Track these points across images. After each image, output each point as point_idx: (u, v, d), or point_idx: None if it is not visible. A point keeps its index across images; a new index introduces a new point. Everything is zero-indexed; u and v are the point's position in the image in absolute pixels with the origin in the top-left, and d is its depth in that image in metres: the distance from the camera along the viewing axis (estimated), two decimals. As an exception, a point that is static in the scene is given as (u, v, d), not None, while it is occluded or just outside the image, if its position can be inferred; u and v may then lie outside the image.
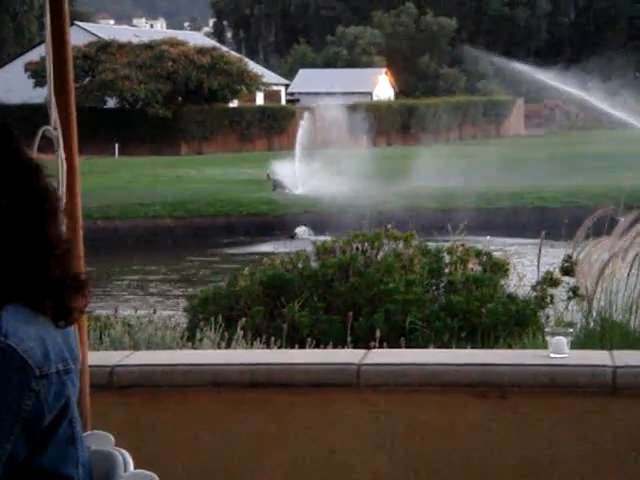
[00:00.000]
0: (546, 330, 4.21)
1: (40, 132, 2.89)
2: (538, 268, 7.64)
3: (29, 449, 1.92)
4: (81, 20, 59.48)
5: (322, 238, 10.41)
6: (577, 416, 3.86)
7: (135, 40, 50.65)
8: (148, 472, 2.01)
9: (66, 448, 1.97)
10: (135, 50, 49.44)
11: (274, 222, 29.05)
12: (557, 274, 7.45)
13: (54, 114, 2.91)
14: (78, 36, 49.08)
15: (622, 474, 3.83)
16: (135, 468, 2.11)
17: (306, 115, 39.89)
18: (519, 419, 3.87)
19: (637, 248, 6.73)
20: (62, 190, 2.90)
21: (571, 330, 4.17)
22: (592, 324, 6.71)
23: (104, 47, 49.71)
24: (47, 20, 2.95)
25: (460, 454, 3.90)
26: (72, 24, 47.85)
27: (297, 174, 33.65)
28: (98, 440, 2.18)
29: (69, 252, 2.02)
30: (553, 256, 8.13)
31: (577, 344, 6.19)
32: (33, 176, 2.02)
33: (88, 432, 2.27)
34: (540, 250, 7.61)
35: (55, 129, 2.91)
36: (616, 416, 3.83)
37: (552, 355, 3.94)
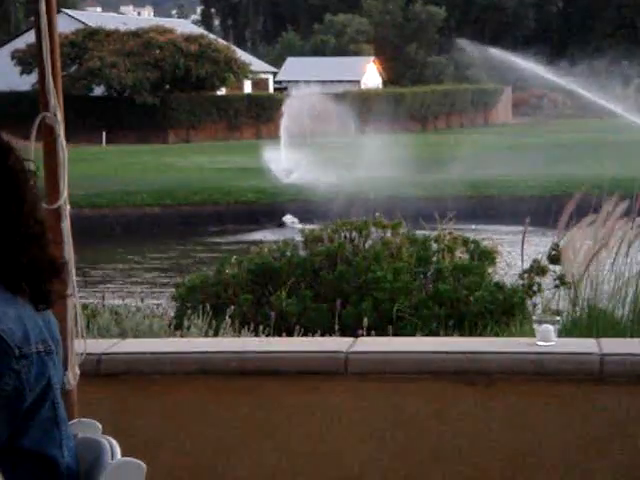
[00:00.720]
0: (533, 318, 4.22)
1: (39, 118, 2.87)
2: (522, 256, 7.65)
3: (11, 429, 1.92)
4: (68, 7, 59.27)
5: (310, 226, 10.41)
6: (564, 403, 3.87)
7: (122, 28, 50.50)
8: (135, 460, 2.01)
9: (49, 430, 1.98)
10: (122, 38, 49.30)
11: (262, 210, 29.04)
12: (544, 262, 7.46)
13: (53, 100, 2.90)
14: (65, 23, 48.96)
15: (608, 461, 3.85)
16: (122, 456, 2.11)
17: (287, 103, 39.79)
18: (506, 406, 3.88)
19: (620, 235, 6.75)
20: (64, 177, 2.89)
21: (558, 318, 4.19)
22: (579, 312, 6.73)
23: (91, 35, 49.55)
24: (42, 7, 2.94)
25: (448, 441, 3.91)
26: (59, 11, 47.74)
27: (284, 162, 33.63)
28: (85, 428, 2.18)
29: (44, 236, 2.02)
30: (540, 244, 8.15)
31: (564, 332, 6.21)
32: (7, 158, 2.01)
33: (75, 420, 2.27)
34: (524, 238, 7.62)
35: (55, 115, 2.90)
36: (603, 403, 3.85)
37: (539, 343, 3.95)
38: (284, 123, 36.96)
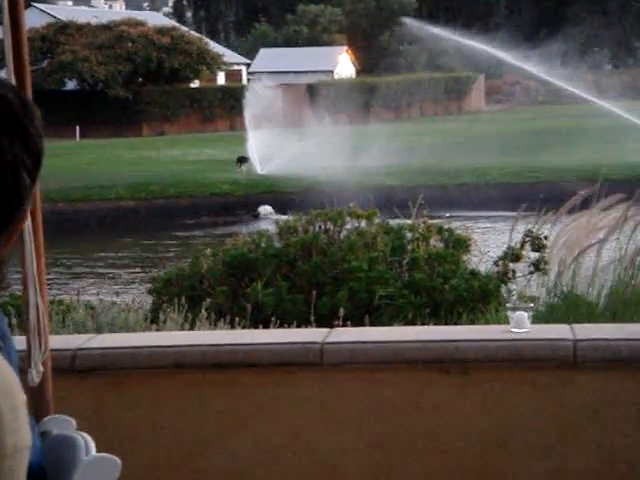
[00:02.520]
0: (507, 305, 4.24)
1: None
2: (510, 243, 7.67)
3: None
4: (39, 1, 58.92)
5: (285, 217, 10.41)
6: (539, 389, 3.89)
7: (94, 21, 50.28)
8: (110, 455, 2.00)
9: None
10: (94, 31, 49.08)
11: (237, 202, 29.01)
12: (517, 249, 7.50)
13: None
14: (36, 17, 48.70)
15: (583, 444, 3.87)
16: (98, 451, 2.10)
17: (249, 94, 39.72)
18: (482, 394, 3.90)
19: (611, 225, 6.79)
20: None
21: (532, 305, 4.20)
22: (555, 299, 6.77)
23: (62, 28, 49.31)
24: (5, 3, 2.92)
25: (424, 430, 3.92)
26: (29, 5, 47.38)
27: (255, 154, 33.57)
28: (59, 424, 2.17)
29: None
30: (518, 231, 8.16)
31: (541, 319, 6.25)
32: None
33: (49, 416, 2.26)
34: (513, 227, 7.66)
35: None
36: (577, 388, 3.87)
37: (513, 330, 3.96)
38: (249, 115, 36.93)
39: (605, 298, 6.58)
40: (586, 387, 3.86)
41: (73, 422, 2.27)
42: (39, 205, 3.12)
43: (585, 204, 7.37)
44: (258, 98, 37.91)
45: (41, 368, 2.97)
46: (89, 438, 2.10)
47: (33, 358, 2.95)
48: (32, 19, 48.19)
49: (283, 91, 48.32)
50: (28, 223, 2.96)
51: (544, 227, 7.76)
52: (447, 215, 12.02)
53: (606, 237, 6.76)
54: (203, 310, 6.57)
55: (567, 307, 6.51)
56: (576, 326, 4.15)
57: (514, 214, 8.37)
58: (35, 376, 2.96)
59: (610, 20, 66.41)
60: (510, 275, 7.63)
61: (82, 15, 53.46)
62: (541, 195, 8.22)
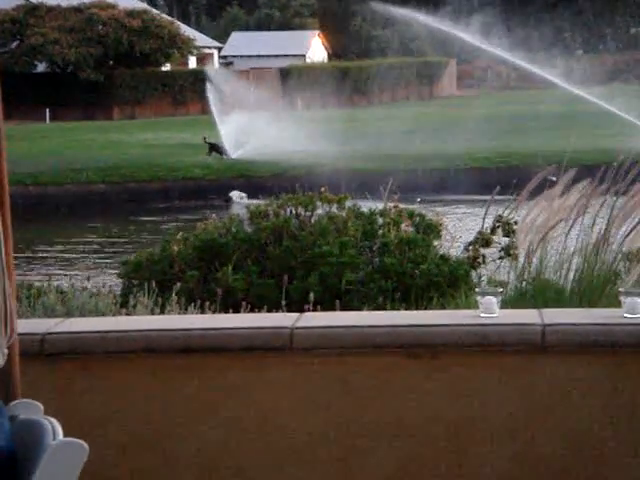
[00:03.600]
0: (476, 290, 4.25)
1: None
2: (482, 228, 7.70)
3: None
4: (8, -17, 58.40)
5: (256, 202, 10.40)
6: (508, 374, 3.91)
7: (64, 3, 49.93)
8: (77, 440, 2.00)
9: None
10: (64, 13, 48.77)
11: (209, 186, 28.95)
12: (488, 234, 7.52)
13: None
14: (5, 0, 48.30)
15: (552, 429, 3.90)
16: (66, 436, 2.10)
17: (213, 78, 39.58)
18: (451, 378, 3.92)
19: (576, 209, 6.82)
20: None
21: (501, 290, 4.22)
22: (524, 284, 6.80)
23: (32, 10, 48.96)
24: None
25: (394, 414, 3.94)
26: (-1, -13, 46.88)
27: (223, 138, 33.46)
28: (26, 409, 2.17)
29: None
30: (488, 216, 8.19)
31: (510, 303, 6.27)
32: None
33: (16, 401, 2.26)
34: (486, 212, 7.69)
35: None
36: (545, 373, 3.89)
37: (482, 315, 3.98)
38: (219, 99, 36.82)
39: (572, 282, 6.62)
40: (554, 372, 3.89)
41: (40, 406, 2.27)
42: (7, 188, 3.11)
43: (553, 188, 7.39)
44: (226, 82, 37.79)
45: (6, 351, 2.96)
46: (56, 423, 2.10)
47: (-2, 341, 2.93)
48: (1, 1, 47.86)
49: (254, 75, 48.23)
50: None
51: (513, 212, 7.79)
52: (418, 200, 12.03)
53: (567, 220, 6.79)
54: (173, 294, 6.56)
55: (536, 292, 6.55)
56: (544, 311, 4.17)
57: (486, 198, 8.40)
58: (0, 359, 2.95)
59: (581, 5, 66.62)
60: (480, 260, 7.66)
61: (52, -3, 53.06)
62: (514, 180, 8.25)
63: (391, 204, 8.34)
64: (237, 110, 34.35)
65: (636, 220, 6.77)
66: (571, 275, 6.69)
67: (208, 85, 38.53)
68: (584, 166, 7.51)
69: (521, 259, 6.98)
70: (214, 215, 8.93)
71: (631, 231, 6.72)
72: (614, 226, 6.79)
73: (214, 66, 57.84)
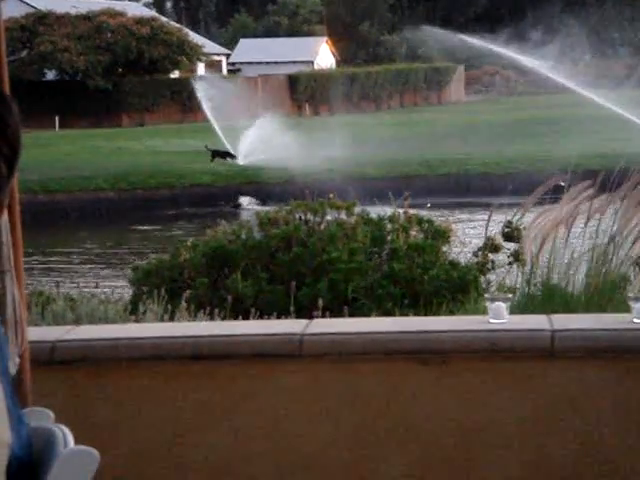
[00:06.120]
0: (486, 296, 4.25)
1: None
2: (486, 234, 7.70)
3: None
4: (17, -9, 58.55)
5: (266, 208, 10.41)
6: (517, 380, 3.91)
7: (73, 11, 50.03)
8: (88, 448, 2.01)
9: None
10: (73, 21, 48.86)
11: (217, 193, 28.97)
12: (498, 240, 7.52)
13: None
14: (14, 7, 48.41)
15: (561, 436, 3.89)
16: (77, 444, 2.10)
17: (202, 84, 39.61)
18: (460, 384, 3.92)
19: (583, 214, 6.81)
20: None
21: (510, 295, 4.23)
22: (533, 289, 6.79)
23: (41, 18, 49.08)
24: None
25: (403, 421, 3.94)
26: (8, -4, 46.90)
27: (229, 145, 33.50)
28: (37, 416, 2.18)
29: None
30: (498, 222, 8.20)
31: (519, 309, 6.27)
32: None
33: (27, 409, 2.26)
34: (489, 218, 7.68)
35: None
36: (555, 379, 3.89)
37: (491, 320, 3.98)
38: (208, 107, 36.89)
39: (581, 288, 6.61)
40: (564, 378, 3.88)
41: (51, 414, 2.27)
42: (17, 197, 3.12)
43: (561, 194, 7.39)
44: (227, 89, 37.81)
45: (17, 359, 2.97)
46: (67, 430, 2.11)
47: (9, 350, 2.95)
48: (10, 9, 47.93)
49: (262, 82, 48.24)
50: (5, 217, 2.95)
51: (521, 218, 7.78)
52: (428, 205, 12.05)
53: (575, 225, 6.79)
54: (183, 302, 6.57)
55: (545, 297, 6.54)
56: (554, 316, 4.17)
57: (496, 202, 8.40)
58: (11, 367, 2.96)
59: (589, 11, 66.55)
60: (489, 266, 7.66)
61: (61, 5, 53.14)
62: (521, 185, 8.25)
63: (400, 210, 8.34)
64: (243, 117, 34.38)
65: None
66: (580, 280, 6.68)
67: (204, 92, 38.60)
68: (592, 171, 7.50)
69: (529, 265, 6.97)
70: (223, 221, 8.94)
71: (634, 233, 6.70)
72: (623, 230, 6.78)
73: (223, 72, 57.87)
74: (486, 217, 7.78)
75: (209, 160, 32.26)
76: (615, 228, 6.79)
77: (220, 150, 32.91)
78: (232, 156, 32.56)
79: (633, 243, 6.74)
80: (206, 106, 37.28)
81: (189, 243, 8.27)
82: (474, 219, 20.79)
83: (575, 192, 6.83)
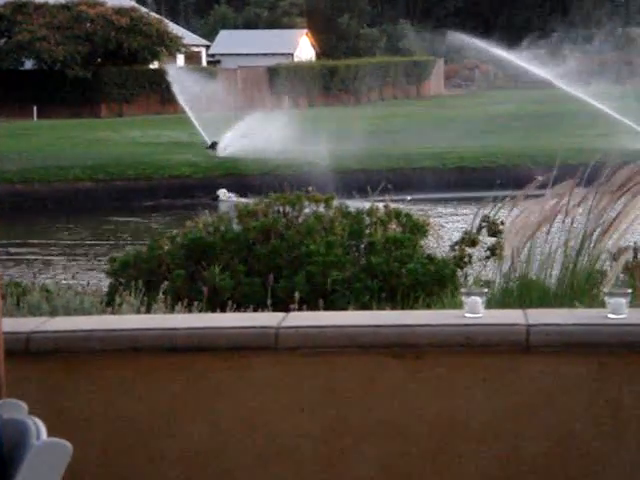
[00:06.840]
0: (461, 290, 4.26)
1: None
2: (473, 227, 7.72)
3: None
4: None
5: (244, 200, 10.40)
6: (492, 374, 3.92)
7: (52, 1, 49.80)
8: (60, 440, 2.01)
9: None
10: (52, 11, 48.64)
11: (196, 184, 28.92)
12: (474, 234, 7.53)
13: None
14: (-7, -4, 48.16)
15: (536, 428, 3.91)
16: (51, 436, 2.10)
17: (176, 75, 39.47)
18: (435, 378, 3.93)
19: (562, 209, 6.84)
20: None
21: (486, 290, 4.23)
22: (510, 283, 6.81)
23: (20, 7, 48.81)
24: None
25: (378, 414, 3.94)
26: (-14, -16, 46.74)
27: (204, 136, 33.48)
28: (10, 408, 2.17)
29: None
30: (467, 215, 8.23)
31: (496, 303, 6.29)
32: None
33: (1, 401, 2.26)
34: (477, 212, 7.69)
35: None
36: (530, 373, 3.90)
37: (467, 315, 3.99)
38: (183, 97, 36.80)
39: (557, 282, 6.64)
40: (539, 372, 3.90)
41: (24, 406, 2.27)
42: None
43: (541, 189, 7.42)
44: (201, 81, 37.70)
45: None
46: (40, 422, 2.10)
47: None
48: (-11, -2, 47.73)
49: (242, 74, 48.13)
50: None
51: (501, 212, 7.81)
52: (408, 199, 12.04)
53: (553, 220, 6.81)
54: (160, 294, 6.55)
55: (521, 292, 6.56)
56: (529, 311, 4.18)
57: (473, 196, 8.43)
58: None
59: (569, 4, 66.71)
60: (466, 260, 7.67)
61: (40, -6, 52.90)
62: (498, 181, 8.28)
63: (380, 204, 8.35)
64: (222, 108, 34.33)
65: (616, 218, 6.78)
66: (556, 275, 6.71)
67: (180, 83, 38.50)
68: (570, 166, 7.53)
69: (508, 259, 6.99)
70: (207, 212, 8.91)
71: (608, 227, 6.72)
72: (599, 225, 6.81)
73: (202, 64, 57.72)
74: (463, 211, 7.80)
75: (191, 151, 32.25)
76: (588, 222, 6.82)
77: (217, 143, 33.00)
78: (214, 146, 32.66)
79: (603, 234, 6.77)
80: (183, 98, 37.21)
81: (167, 235, 8.25)
82: (451, 213, 20.83)
83: (558, 188, 6.85)
